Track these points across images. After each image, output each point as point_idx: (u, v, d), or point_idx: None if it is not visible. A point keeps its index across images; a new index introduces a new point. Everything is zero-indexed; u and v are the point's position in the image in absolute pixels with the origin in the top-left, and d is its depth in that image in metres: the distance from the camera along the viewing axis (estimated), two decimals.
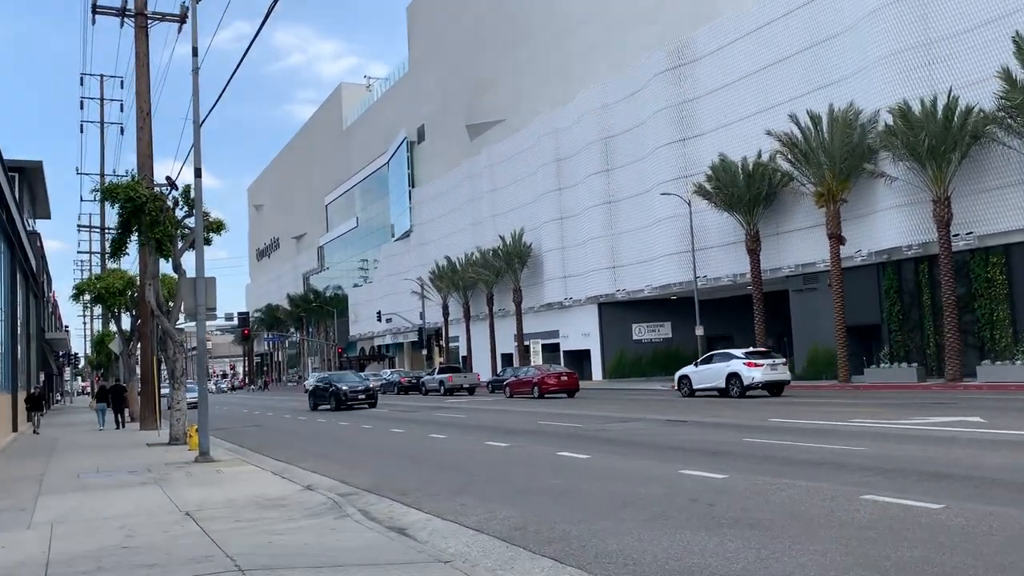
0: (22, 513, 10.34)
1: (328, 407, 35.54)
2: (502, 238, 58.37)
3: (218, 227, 21.94)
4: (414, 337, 78.15)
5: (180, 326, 22.06)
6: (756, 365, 28.48)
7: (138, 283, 32.80)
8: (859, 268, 35.19)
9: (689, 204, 41.29)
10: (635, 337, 52.03)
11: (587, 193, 52.11)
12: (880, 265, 34.83)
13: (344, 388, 35.26)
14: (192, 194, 20.32)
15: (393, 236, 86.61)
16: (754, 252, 38.51)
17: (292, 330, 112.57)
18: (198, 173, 16.28)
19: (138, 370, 32.94)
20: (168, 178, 21.19)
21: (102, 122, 57.16)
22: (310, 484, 12.00)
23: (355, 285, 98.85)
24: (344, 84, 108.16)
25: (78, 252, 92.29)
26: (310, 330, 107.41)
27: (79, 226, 75.27)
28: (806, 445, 13.71)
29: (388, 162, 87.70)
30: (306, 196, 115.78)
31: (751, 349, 31.08)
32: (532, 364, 45.50)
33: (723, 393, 29.24)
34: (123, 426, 29.49)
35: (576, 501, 9.80)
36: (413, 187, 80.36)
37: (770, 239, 39.04)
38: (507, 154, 62.32)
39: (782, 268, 39.18)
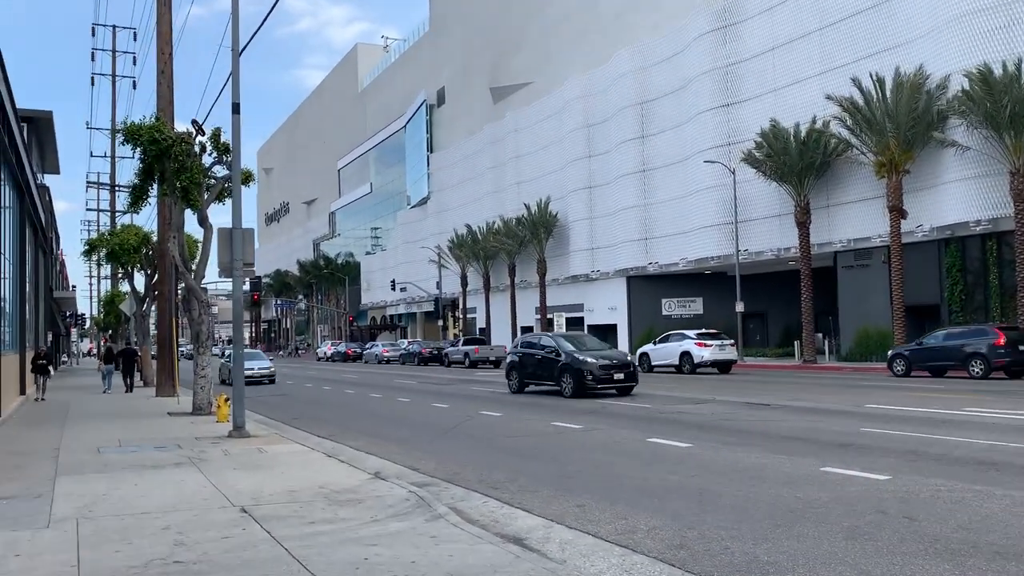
0: (38, 501, 8.43)
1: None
2: (527, 206, 56.19)
3: (247, 178, 19.94)
4: (429, 307, 76.26)
5: (204, 284, 20.10)
6: (706, 345, 31.79)
7: (154, 240, 30.90)
8: (919, 244, 33.04)
9: (734, 173, 39.10)
10: (664, 312, 49.99)
11: (620, 161, 49.83)
12: (942, 242, 32.69)
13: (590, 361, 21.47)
14: (222, 138, 18.36)
15: (409, 203, 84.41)
16: (804, 225, 36.36)
17: (300, 297, 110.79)
18: (236, 108, 14.24)
19: (153, 332, 31.11)
20: (195, 121, 19.13)
21: (114, 75, 54.98)
22: (377, 471, 10.09)
23: (367, 252, 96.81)
24: (360, 45, 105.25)
25: (86, 210, 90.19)
26: (319, 297, 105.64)
27: (88, 183, 73.33)
28: (942, 438, 11.75)
29: (405, 126, 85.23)
30: (318, 161, 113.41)
31: (703, 331, 33.96)
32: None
33: (677, 369, 32.29)
34: (131, 390, 28.11)
35: (725, 507, 7.87)
36: (431, 152, 77.99)
37: (819, 212, 36.87)
38: (533, 119, 59.95)
39: (832, 243, 37.01)
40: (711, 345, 31.78)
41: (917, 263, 32.79)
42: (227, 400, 16.81)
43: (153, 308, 31.75)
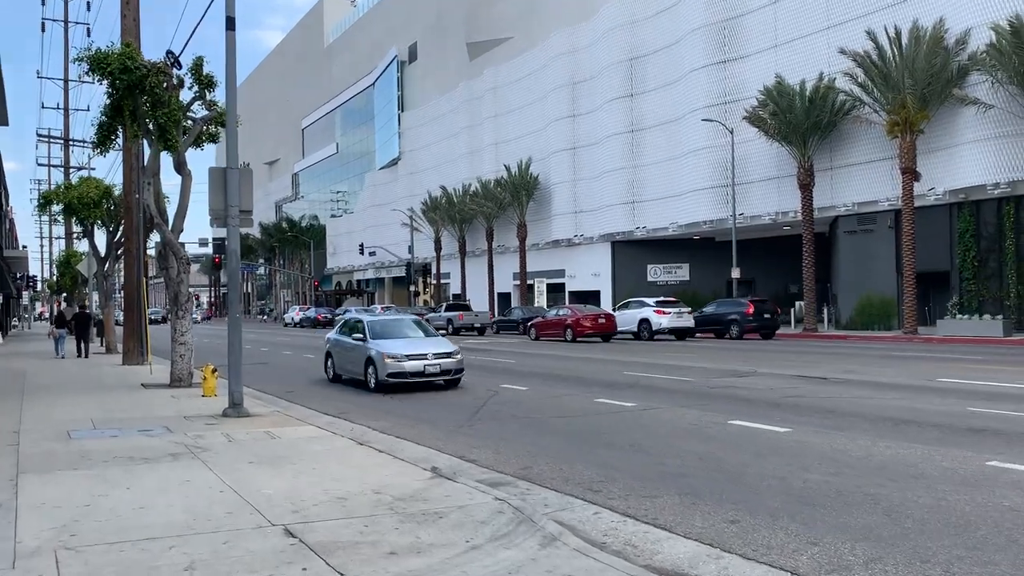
0: None
1: None
2: (507, 168, 53.84)
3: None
4: (399, 272, 73.76)
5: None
6: (664, 313, 32.58)
7: (117, 193, 28.19)
8: (929, 209, 31.59)
9: (732, 133, 37.25)
10: (650, 279, 48.28)
11: (606, 120, 47.69)
12: (955, 205, 31.29)
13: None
14: (205, 70, 15.94)
15: (377, 164, 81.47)
16: (807, 187, 34.70)
17: (261, 261, 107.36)
18: (230, 24, 11.86)
19: (119, 295, 28.55)
20: (170, 52, 16.61)
21: (66, 20, 51.28)
22: (434, 466, 8.03)
23: (333, 215, 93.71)
24: None
25: (37, 165, 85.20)
26: (283, 262, 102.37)
27: (39, 136, 69.18)
28: None
29: (375, 83, 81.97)
30: (280, 119, 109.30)
31: (661, 299, 34.93)
32: (567, 304, 41.17)
33: (636, 336, 32.84)
34: (87, 356, 26.31)
35: (931, 522, 5.99)
36: (403, 111, 74.99)
37: (822, 174, 35.24)
38: (514, 76, 57.41)
39: (836, 207, 35.42)
40: (669, 313, 32.56)
41: (927, 228, 31.35)
42: (215, 371, 14.62)
43: (117, 268, 29.14)
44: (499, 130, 58.99)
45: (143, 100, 15.67)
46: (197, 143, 17.86)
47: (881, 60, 30.35)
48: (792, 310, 38.17)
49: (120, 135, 19.54)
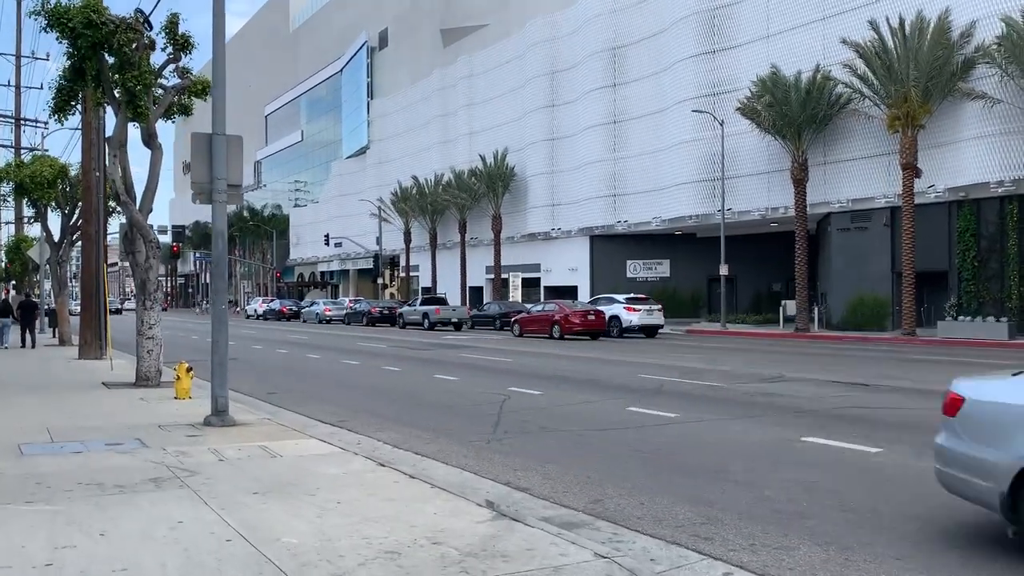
0: None
1: None
2: (482, 158, 52.13)
3: (203, 88, 15.85)
4: (365, 264, 71.56)
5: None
6: (634, 310, 32.14)
7: (73, 173, 26.04)
8: (927, 207, 30.61)
9: (722, 125, 36.01)
10: (629, 275, 47.03)
11: (587, 111, 46.26)
12: (955, 204, 30.37)
13: None
14: (180, 29, 14.11)
15: (344, 153, 79.16)
16: (800, 183, 33.57)
17: None
18: None
19: (73, 284, 26.37)
20: (139, 11, 14.70)
21: None
22: (487, 499, 6.43)
23: (296, 205, 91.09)
24: None
25: None
26: (244, 252, 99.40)
27: None
28: None
29: (342, 70, 79.56)
30: (243, 106, 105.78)
31: (631, 295, 34.83)
32: (552, 300, 39.38)
33: (605, 333, 31.45)
34: (33, 346, 25.18)
35: None
36: (372, 98, 72.79)
37: (815, 169, 34.17)
38: (490, 64, 55.68)
39: (830, 203, 34.37)
40: (639, 310, 32.25)
41: (925, 226, 30.36)
42: (189, 370, 12.83)
43: (72, 253, 26.94)
44: (474, 119, 57.29)
45: (108, 60, 13.79)
46: (168, 115, 16.05)
47: (883, 51, 29.30)
48: (781, 309, 37.09)
49: (79, 104, 17.60)
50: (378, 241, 64.31)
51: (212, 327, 10.19)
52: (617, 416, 11.24)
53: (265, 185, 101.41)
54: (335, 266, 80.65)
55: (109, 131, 21.25)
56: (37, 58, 50.06)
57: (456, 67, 59.05)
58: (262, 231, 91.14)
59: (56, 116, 14.41)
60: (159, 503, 6.14)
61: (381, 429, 10.43)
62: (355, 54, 75.85)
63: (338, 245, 73.10)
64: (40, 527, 5.48)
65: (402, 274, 65.63)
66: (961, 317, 28.56)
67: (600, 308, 32.18)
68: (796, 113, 32.66)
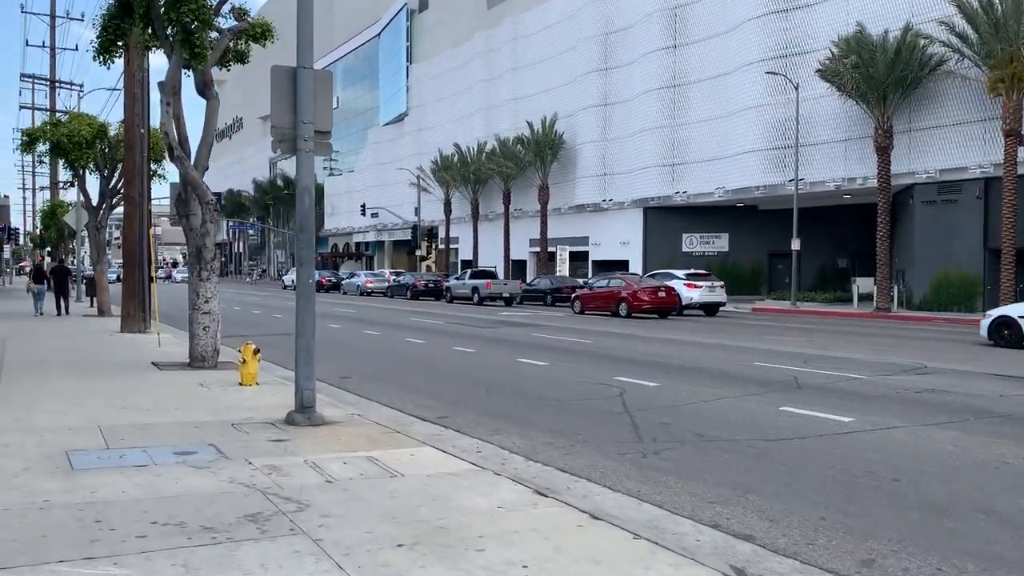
0: None
1: None
2: (530, 124, 49.87)
3: (263, 32, 14.03)
4: (402, 235, 69.75)
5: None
6: (695, 286, 30.21)
7: (113, 133, 24.35)
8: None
9: (797, 88, 33.56)
10: (685, 249, 44.78)
11: (643, 74, 43.82)
12: None
13: None
14: None
15: (381, 120, 77.14)
16: (885, 150, 31.10)
17: (253, 219, 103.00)
18: None
19: (111, 251, 24.79)
20: None
21: None
22: (731, 564, 4.53)
23: (331, 174, 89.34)
24: None
25: (20, 108, 79.89)
26: (278, 221, 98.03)
27: (23, 76, 64.56)
28: None
29: (380, 34, 77.30)
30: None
31: (692, 271, 32.72)
32: (618, 274, 36.65)
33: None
34: (67, 312, 24.61)
35: None
36: (411, 63, 70.57)
37: (899, 137, 31.68)
38: (538, 25, 53.23)
39: (915, 173, 31.91)
40: (701, 286, 30.39)
41: (1020, 200, 27.89)
42: (256, 352, 11.04)
43: (109, 217, 25.38)
44: (519, 85, 54.99)
45: None
46: (223, 62, 14.17)
47: (989, 5, 26.73)
48: (854, 287, 34.79)
49: (123, 50, 15.78)
50: (416, 212, 62.44)
51: (297, 304, 8.32)
52: (774, 419, 9.27)
53: None
54: (370, 237, 78.99)
55: (152, 85, 19.49)
56: (72, 18, 48.47)
57: (501, 29, 56.68)
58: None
59: (101, 58, 12.56)
60: (271, 562, 4.30)
61: (496, 431, 8.57)
62: (394, 17, 73.55)
63: (374, 215, 71.39)
64: None
65: (440, 246, 63.77)
66: None
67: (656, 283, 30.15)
68: (883, 75, 30.15)
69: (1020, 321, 17.27)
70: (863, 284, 34.70)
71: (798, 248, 34.52)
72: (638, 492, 6.24)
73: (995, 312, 18.60)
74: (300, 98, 8.21)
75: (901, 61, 29.92)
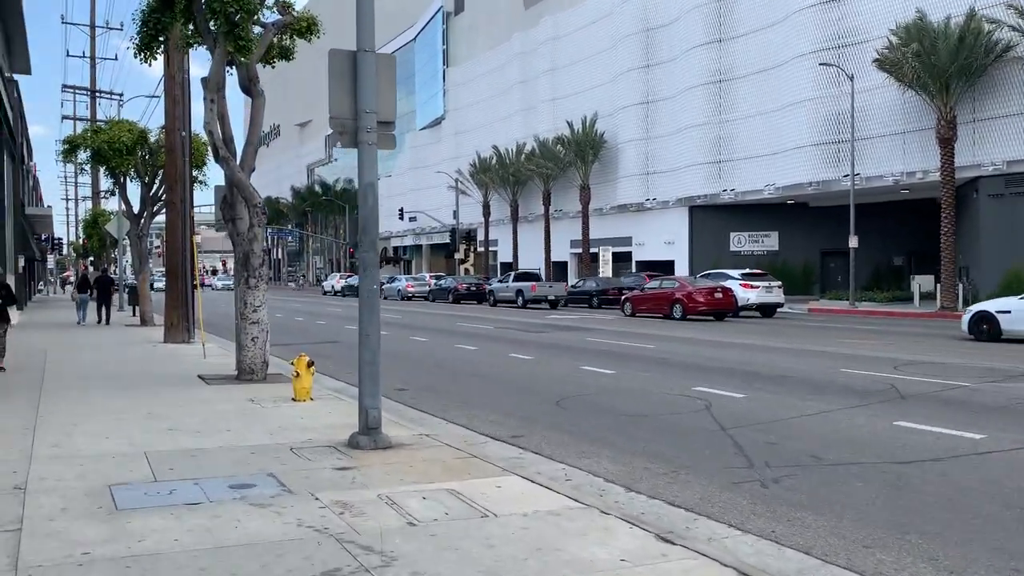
0: None
1: None
2: (570, 124, 48.92)
3: (308, 27, 13.29)
4: (440, 239, 69.24)
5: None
6: (752, 287, 28.89)
7: (155, 138, 23.87)
8: None
9: (852, 80, 32.23)
10: (733, 248, 43.53)
11: (687, 70, 42.68)
12: None
13: None
14: None
15: (418, 124, 76.68)
16: (948, 142, 29.67)
17: (291, 226, 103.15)
18: None
19: (152, 260, 24.29)
20: None
21: None
22: None
23: None
24: None
25: (63, 118, 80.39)
26: (317, 227, 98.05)
27: (64, 86, 65.08)
28: None
29: (415, 38, 76.94)
30: (312, 78, 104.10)
31: (748, 271, 31.43)
32: (672, 276, 35.75)
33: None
34: (108, 322, 24.45)
35: None
36: (448, 66, 70.01)
37: (963, 127, 30.22)
38: (576, 24, 52.30)
39: (981, 165, 30.44)
40: (757, 287, 29.04)
41: None
42: (310, 364, 10.26)
43: (152, 226, 24.91)
44: (558, 85, 54.10)
45: None
46: (267, 58, 13.45)
47: None
48: (915, 286, 33.35)
49: (164, 48, 15.17)
50: (455, 215, 61.82)
51: (360, 313, 7.49)
52: (892, 436, 8.24)
53: (336, 159, 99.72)
54: (408, 241, 78.57)
55: (194, 88, 18.90)
56: (111, 28, 48.67)
57: (538, 29, 55.86)
58: (335, 206, 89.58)
59: (143, 55, 11.89)
60: None
61: (582, 453, 7.67)
62: (429, 20, 73.14)
63: (412, 219, 70.93)
64: None
65: (479, 249, 63.03)
66: None
67: (710, 284, 28.96)
68: (945, 63, 28.74)
69: None
70: (923, 282, 33.25)
71: (855, 246, 33.15)
72: (773, 533, 5.29)
73: None
74: (361, 85, 7.38)
75: (965, 48, 28.49)
